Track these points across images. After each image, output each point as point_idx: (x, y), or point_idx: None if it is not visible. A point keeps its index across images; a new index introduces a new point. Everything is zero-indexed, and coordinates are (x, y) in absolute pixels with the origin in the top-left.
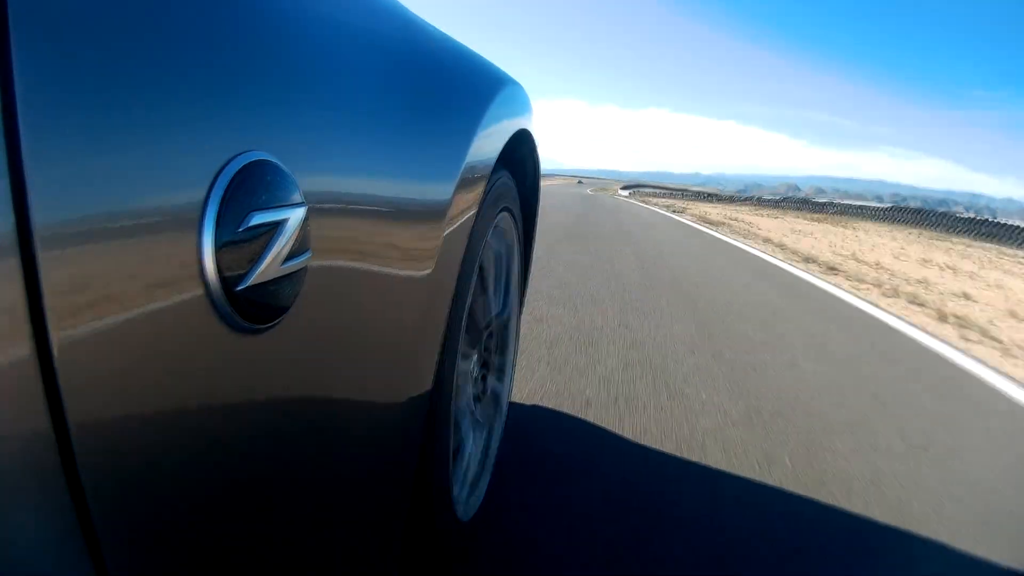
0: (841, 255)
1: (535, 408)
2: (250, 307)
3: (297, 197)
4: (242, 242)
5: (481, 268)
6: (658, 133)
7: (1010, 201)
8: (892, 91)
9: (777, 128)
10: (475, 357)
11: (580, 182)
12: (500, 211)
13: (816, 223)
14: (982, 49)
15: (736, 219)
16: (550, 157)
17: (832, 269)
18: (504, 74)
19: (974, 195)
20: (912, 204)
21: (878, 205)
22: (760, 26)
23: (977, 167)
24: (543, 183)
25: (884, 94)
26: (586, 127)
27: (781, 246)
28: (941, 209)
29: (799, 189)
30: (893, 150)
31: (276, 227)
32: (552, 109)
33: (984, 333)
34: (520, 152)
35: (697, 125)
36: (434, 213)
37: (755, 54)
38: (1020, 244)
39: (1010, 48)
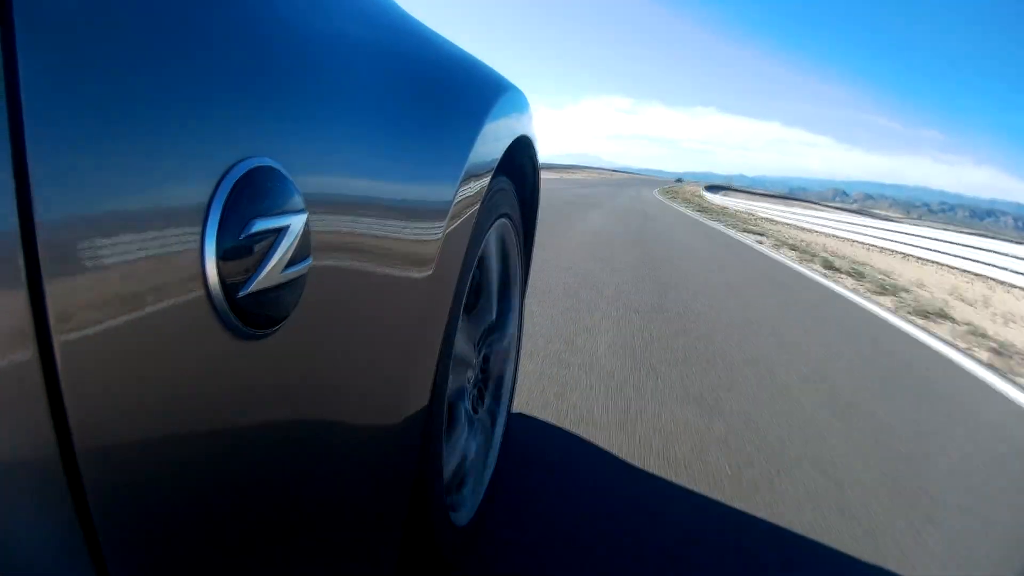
0: None
1: None
2: (251, 313)
3: (299, 203)
4: (244, 248)
5: (481, 274)
6: (703, 132)
7: None
8: (938, 94)
9: (822, 130)
10: (474, 363)
11: (679, 180)
12: (500, 217)
13: None
14: None
15: None
16: (594, 154)
17: None
18: (504, 79)
19: (1021, 205)
20: (960, 213)
21: None
22: (804, 26)
23: None
24: (579, 175)
25: (930, 96)
26: (631, 125)
27: None
28: (988, 220)
29: (847, 195)
30: (939, 155)
31: (278, 233)
32: (596, 106)
33: None
34: (520, 158)
35: (741, 125)
36: (433, 221)
37: (799, 54)
38: None
39: None
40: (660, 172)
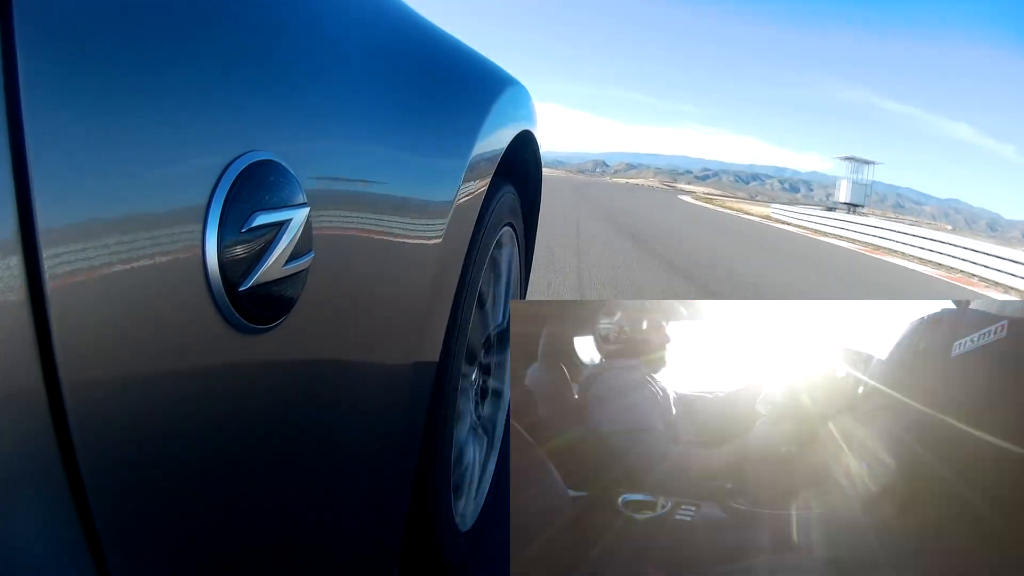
0: None
1: None
2: (252, 307)
3: (300, 198)
4: (245, 242)
5: (482, 267)
6: None
7: (815, 174)
8: (692, 71)
9: (576, 105)
10: (476, 362)
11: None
12: (502, 210)
13: None
14: (784, 34)
15: None
16: None
17: None
18: (507, 75)
19: (780, 169)
20: (724, 178)
21: None
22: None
23: (781, 143)
24: None
25: (684, 73)
26: None
27: None
28: (754, 183)
29: (607, 166)
30: (697, 127)
31: (279, 228)
32: None
33: None
34: (523, 153)
35: None
36: (436, 215)
37: (547, 27)
38: None
39: (813, 34)
40: None
